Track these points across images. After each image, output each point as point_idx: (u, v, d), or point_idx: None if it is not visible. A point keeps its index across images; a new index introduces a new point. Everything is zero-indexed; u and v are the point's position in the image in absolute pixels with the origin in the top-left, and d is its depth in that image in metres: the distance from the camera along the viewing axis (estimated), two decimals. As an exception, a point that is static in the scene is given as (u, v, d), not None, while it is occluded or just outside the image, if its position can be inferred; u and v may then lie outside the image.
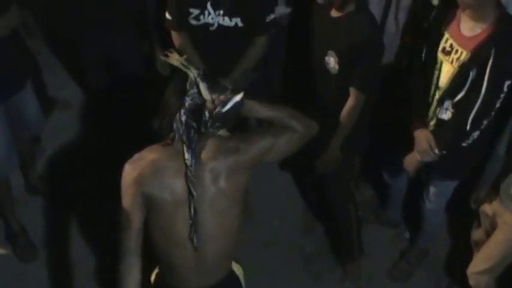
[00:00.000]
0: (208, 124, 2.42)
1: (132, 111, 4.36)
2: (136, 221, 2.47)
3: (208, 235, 2.51)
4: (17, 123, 3.84)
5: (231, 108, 2.43)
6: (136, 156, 2.51)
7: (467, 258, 3.71)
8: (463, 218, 3.88)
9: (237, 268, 2.75)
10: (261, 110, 2.57)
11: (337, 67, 3.32)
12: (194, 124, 2.41)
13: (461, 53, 3.11)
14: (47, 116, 4.31)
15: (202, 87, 2.41)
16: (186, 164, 2.41)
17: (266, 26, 3.59)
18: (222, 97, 2.42)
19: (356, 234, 3.98)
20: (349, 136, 3.48)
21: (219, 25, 3.50)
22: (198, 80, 2.41)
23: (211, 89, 2.42)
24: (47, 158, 4.65)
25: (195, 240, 2.47)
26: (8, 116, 3.73)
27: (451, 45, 3.16)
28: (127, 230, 2.48)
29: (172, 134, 2.45)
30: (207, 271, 2.61)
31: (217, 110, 2.41)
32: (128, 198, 2.47)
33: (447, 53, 3.17)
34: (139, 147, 4.22)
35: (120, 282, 2.49)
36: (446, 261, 4.20)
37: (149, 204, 2.48)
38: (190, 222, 2.45)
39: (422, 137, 3.32)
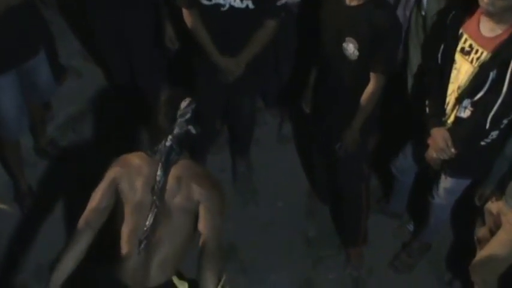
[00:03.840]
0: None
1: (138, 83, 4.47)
2: (102, 201, 2.77)
3: (155, 243, 2.76)
4: (29, 89, 3.92)
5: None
6: (123, 156, 2.87)
7: (470, 254, 3.71)
8: (466, 213, 3.87)
9: (183, 286, 2.89)
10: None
11: (357, 53, 3.37)
12: (178, 149, 2.76)
13: (482, 53, 3.13)
14: (58, 83, 4.42)
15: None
16: (156, 179, 2.73)
17: (277, 9, 3.64)
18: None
19: (365, 218, 4.00)
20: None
21: (231, 6, 3.53)
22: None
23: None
24: (57, 123, 4.75)
25: (142, 245, 2.73)
26: (20, 81, 3.83)
27: (470, 46, 3.18)
28: (91, 207, 2.76)
29: (155, 148, 2.78)
30: (146, 273, 2.79)
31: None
32: (103, 184, 2.79)
33: (466, 53, 3.19)
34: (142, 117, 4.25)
35: (66, 245, 2.72)
36: (448, 256, 4.19)
37: (118, 196, 2.79)
38: (145, 228, 2.72)
39: (439, 135, 3.33)
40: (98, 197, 2.76)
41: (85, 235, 2.71)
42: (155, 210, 2.71)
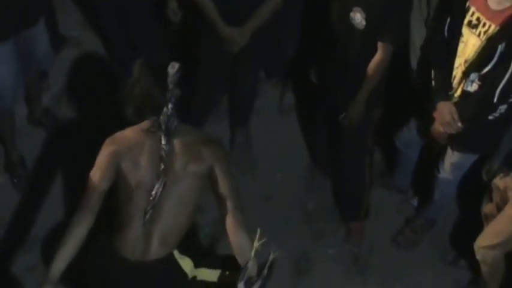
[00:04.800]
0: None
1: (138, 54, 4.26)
2: (102, 185, 2.70)
3: (158, 214, 2.74)
4: (26, 58, 3.90)
5: None
6: (116, 134, 2.81)
7: (475, 232, 3.66)
8: (472, 191, 3.84)
9: (183, 260, 2.86)
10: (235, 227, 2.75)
11: (364, 23, 3.36)
12: (176, 114, 2.70)
13: (489, 26, 3.14)
14: (56, 53, 4.37)
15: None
16: (162, 148, 2.70)
17: None
18: None
19: (367, 191, 3.97)
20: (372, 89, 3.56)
21: None
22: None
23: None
24: (52, 93, 4.69)
25: (147, 215, 2.70)
26: (17, 50, 3.81)
27: (477, 19, 3.17)
28: (91, 190, 2.69)
29: (152, 119, 2.73)
30: (147, 246, 2.77)
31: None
32: (101, 165, 2.72)
33: (474, 26, 3.19)
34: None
35: (66, 232, 2.65)
36: (453, 233, 4.15)
37: (118, 175, 2.73)
38: (152, 198, 2.69)
39: (446, 110, 3.33)
40: (97, 179, 2.69)
41: (85, 221, 2.65)
42: (164, 179, 2.68)
